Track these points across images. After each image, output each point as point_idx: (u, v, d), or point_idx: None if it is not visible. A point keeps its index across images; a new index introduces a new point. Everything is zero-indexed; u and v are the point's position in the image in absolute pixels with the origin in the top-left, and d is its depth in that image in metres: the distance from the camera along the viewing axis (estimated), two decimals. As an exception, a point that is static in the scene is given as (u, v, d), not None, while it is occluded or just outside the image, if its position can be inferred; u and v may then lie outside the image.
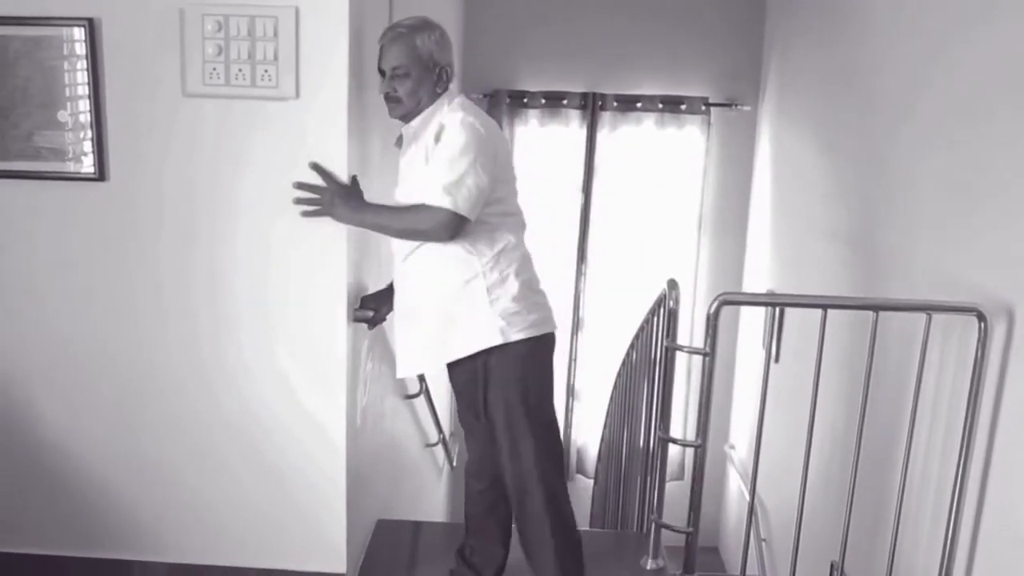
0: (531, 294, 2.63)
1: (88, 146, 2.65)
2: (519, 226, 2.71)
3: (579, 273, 6.12)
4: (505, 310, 2.56)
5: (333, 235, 2.62)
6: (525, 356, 2.61)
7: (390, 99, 2.59)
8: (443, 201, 2.44)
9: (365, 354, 3.00)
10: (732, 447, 5.97)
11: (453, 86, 2.67)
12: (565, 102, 5.88)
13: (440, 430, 4.80)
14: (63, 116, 2.64)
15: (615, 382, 4.81)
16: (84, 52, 2.58)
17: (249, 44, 2.55)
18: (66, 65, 2.61)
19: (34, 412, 2.86)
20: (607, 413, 5.14)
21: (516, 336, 2.57)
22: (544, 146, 5.98)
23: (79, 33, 2.58)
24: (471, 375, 2.66)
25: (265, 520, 2.87)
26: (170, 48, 2.58)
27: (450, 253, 2.55)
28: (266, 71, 2.56)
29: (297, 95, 2.57)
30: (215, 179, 2.66)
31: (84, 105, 2.62)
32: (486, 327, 2.56)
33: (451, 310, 2.60)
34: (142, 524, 2.92)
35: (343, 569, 2.87)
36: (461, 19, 5.67)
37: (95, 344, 2.81)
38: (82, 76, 2.61)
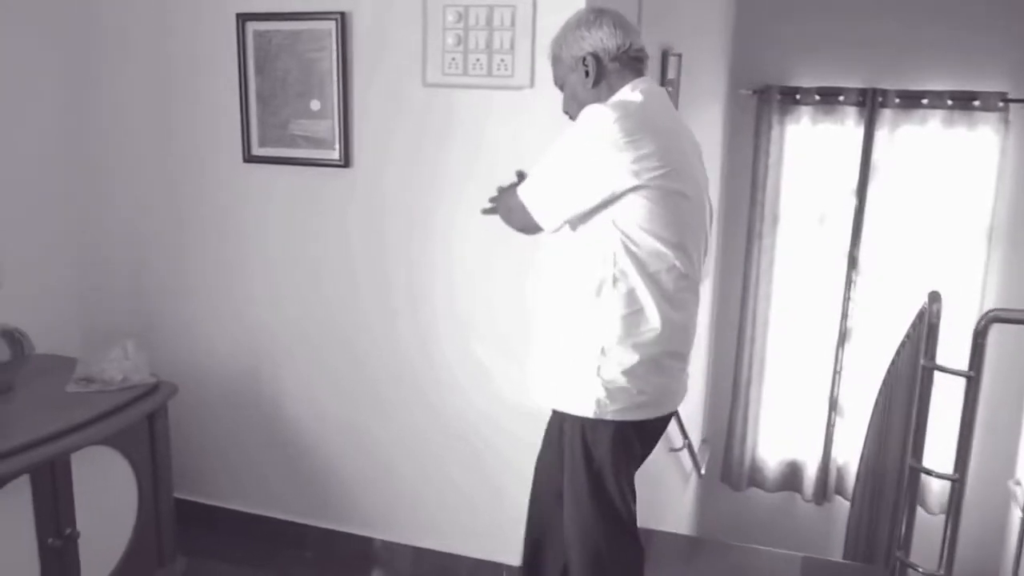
0: (651, 372, 2.06)
1: (336, 134, 2.76)
2: (657, 285, 2.02)
3: (848, 281, 5.74)
4: (610, 380, 2.04)
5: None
6: (615, 439, 2.10)
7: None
8: (520, 189, 2.14)
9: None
10: (1018, 483, 5.35)
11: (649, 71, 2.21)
12: (841, 99, 5.51)
13: (684, 435, 4.65)
14: (315, 105, 2.77)
15: (876, 399, 4.44)
16: (336, 45, 2.69)
17: (487, 34, 2.55)
18: (321, 57, 2.73)
19: (279, 387, 3.05)
20: (866, 432, 4.76)
21: (611, 416, 2.07)
22: (816, 146, 5.65)
23: (333, 27, 2.69)
24: (555, 429, 2.26)
25: (482, 513, 2.89)
26: (413, 39, 2.64)
27: (576, 295, 2.07)
28: (502, 60, 2.55)
29: (531, 84, 2.55)
30: (450, 168, 2.70)
31: (334, 95, 2.74)
32: (580, 390, 2.08)
33: (557, 346, 2.13)
34: (365, 501, 3.04)
35: (557, 568, 2.82)
36: (733, 11, 5.46)
37: (329, 326, 2.95)
38: (334, 68, 2.72)
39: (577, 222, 2.04)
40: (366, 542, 3.04)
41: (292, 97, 2.79)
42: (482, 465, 2.85)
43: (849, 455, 5.85)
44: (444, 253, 2.75)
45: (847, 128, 5.55)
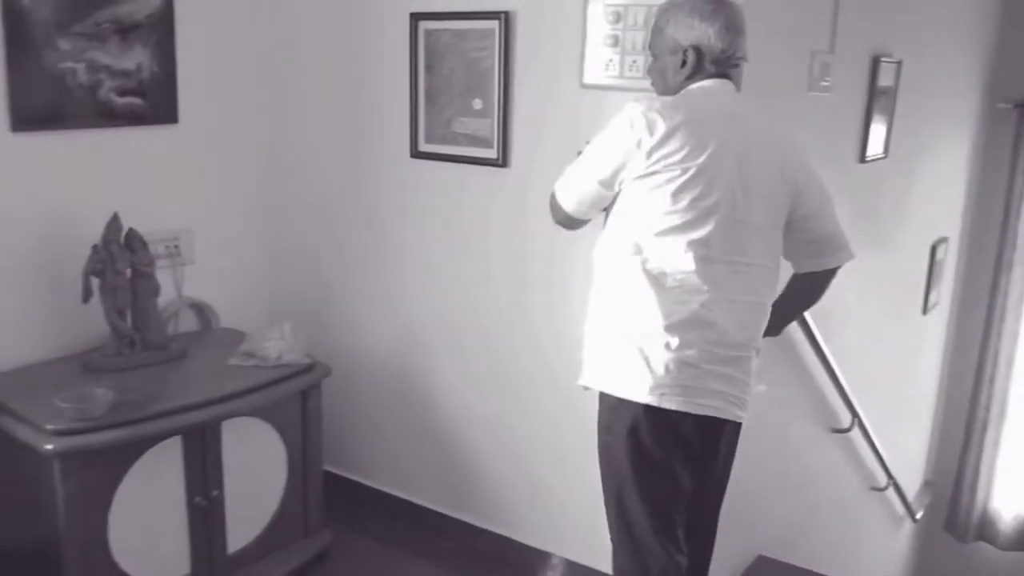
0: (645, 357, 1.97)
1: (496, 133, 2.79)
2: (653, 275, 1.97)
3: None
4: (614, 357, 2.04)
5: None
6: (611, 410, 2.08)
7: None
8: (557, 183, 2.17)
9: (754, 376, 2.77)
10: None
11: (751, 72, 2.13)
12: (1118, 116, 4.89)
13: (888, 473, 4.29)
14: (477, 104, 2.81)
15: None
16: (499, 44, 2.72)
17: (644, 34, 2.48)
18: (483, 56, 2.76)
19: (429, 382, 3.13)
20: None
21: (597, 385, 2.10)
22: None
23: (496, 26, 2.71)
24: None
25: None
26: (572, 39, 2.61)
27: (607, 267, 2.10)
28: (657, 62, 2.48)
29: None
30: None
31: (495, 94, 2.76)
32: (586, 358, 2.13)
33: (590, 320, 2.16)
34: (506, 500, 3.05)
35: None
36: (996, 16, 4.97)
37: (476, 324, 2.99)
38: (495, 67, 2.75)
39: (603, 213, 2.09)
40: (505, 541, 3.03)
41: (456, 95, 2.84)
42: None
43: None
44: (586, 255, 2.69)
45: (1124, 149, 4.92)
